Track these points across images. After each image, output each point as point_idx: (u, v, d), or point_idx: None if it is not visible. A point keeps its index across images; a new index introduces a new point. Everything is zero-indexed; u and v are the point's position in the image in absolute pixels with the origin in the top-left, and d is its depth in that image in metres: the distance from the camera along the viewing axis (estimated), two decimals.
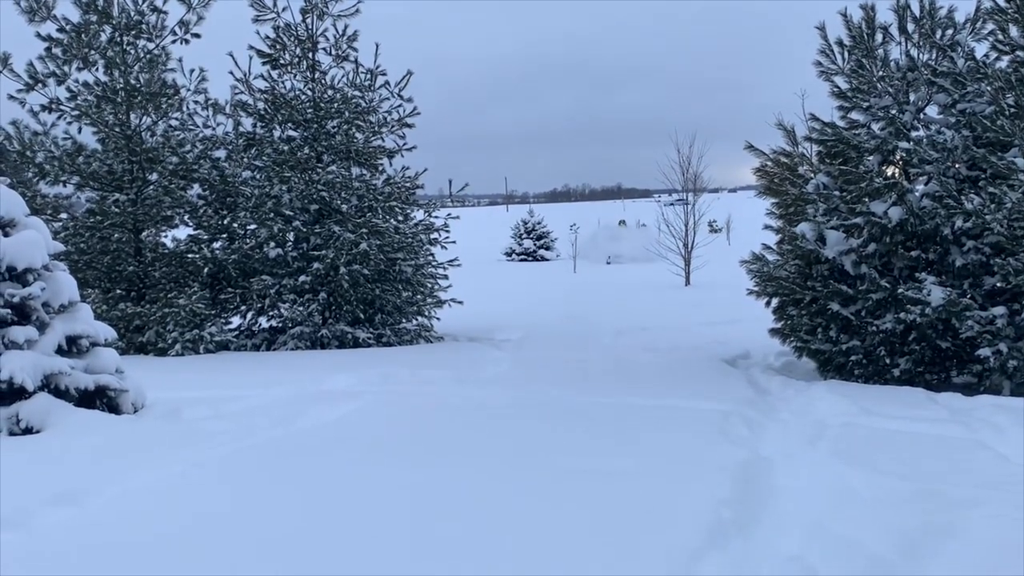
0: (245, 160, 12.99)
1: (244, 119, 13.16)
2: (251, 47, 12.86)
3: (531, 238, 36.53)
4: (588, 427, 6.33)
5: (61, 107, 12.00)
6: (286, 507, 4.38)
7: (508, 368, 9.81)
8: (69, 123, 12.15)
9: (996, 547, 3.69)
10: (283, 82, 13.15)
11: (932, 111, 8.85)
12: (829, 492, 4.59)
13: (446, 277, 13.57)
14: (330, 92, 13.20)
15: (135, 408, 6.73)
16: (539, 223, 37.05)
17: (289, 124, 13.12)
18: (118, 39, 12.11)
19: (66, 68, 11.95)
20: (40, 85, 11.84)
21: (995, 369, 7.78)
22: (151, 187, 12.45)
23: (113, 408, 6.59)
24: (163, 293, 12.00)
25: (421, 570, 3.55)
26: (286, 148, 12.88)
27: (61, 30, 11.84)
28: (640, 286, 22.60)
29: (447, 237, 13.63)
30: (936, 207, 8.08)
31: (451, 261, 13.50)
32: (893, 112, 8.70)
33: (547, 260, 35.30)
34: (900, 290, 8.11)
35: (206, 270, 12.54)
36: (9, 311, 6.22)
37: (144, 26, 12.20)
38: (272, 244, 12.34)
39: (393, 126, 13.47)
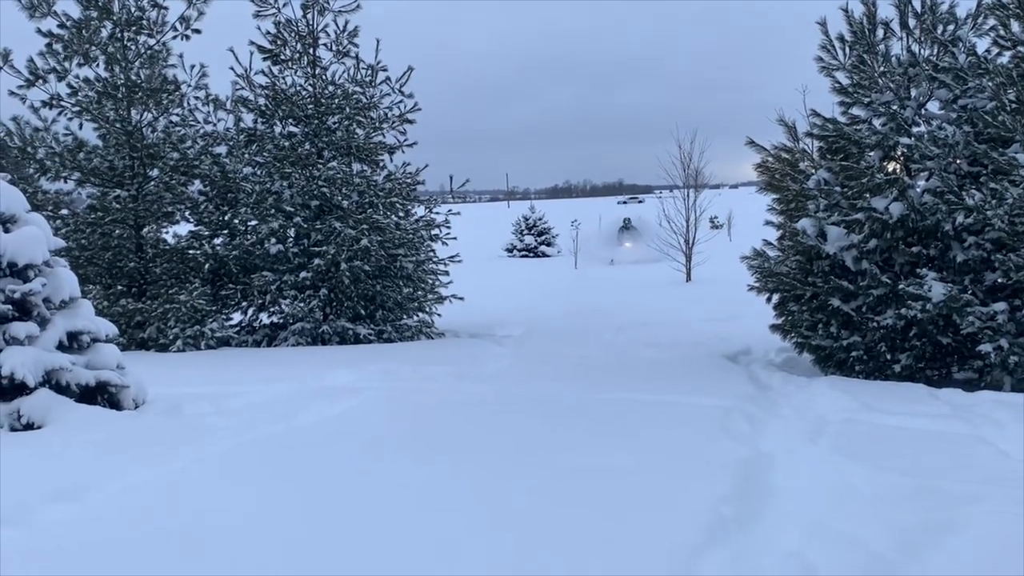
0: (246, 156, 12.99)
1: (245, 115, 13.18)
2: (252, 43, 12.87)
3: (532, 234, 36.53)
4: (589, 423, 6.33)
5: (62, 103, 12.01)
6: (287, 503, 4.38)
7: (509, 364, 9.81)
8: (70, 119, 12.18)
9: (997, 543, 3.69)
10: (284, 78, 13.16)
11: (933, 107, 8.83)
12: (829, 488, 4.59)
13: (447, 273, 13.57)
14: (331, 88, 13.20)
15: (136, 404, 6.73)
16: (540, 219, 37.04)
17: (290, 120, 13.11)
18: (119, 35, 12.12)
19: (67, 64, 11.95)
20: (41, 81, 11.85)
21: (996, 365, 7.78)
22: (152, 183, 12.46)
23: (114, 404, 6.60)
24: (164, 289, 12.02)
25: (422, 566, 3.55)
26: (287, 144, 12.88)
27: (62, 26, 11.85)
28: (641, 282, 22.61)
29: (448, 233, 13.63)
30: (937, 203, 8.07)
31: (452, 257, 13.50)
32: (894, 108, 8.68)
33: (548, 256, 35.31)
34: (901, 286, 8.10)
35: (207, 266, 12.55)
36: (10, 307, 6.23)
37: (145, 22, 12.21)
38: (273, 240, 12.35)
39: (394, 122, 13.48)
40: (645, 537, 3.80)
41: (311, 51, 13.13)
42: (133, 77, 12.21)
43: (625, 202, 76.08)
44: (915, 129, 8.64)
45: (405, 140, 13.58)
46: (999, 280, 7.92)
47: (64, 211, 12.37)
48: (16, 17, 11.63)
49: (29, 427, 5.92)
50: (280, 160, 12.77)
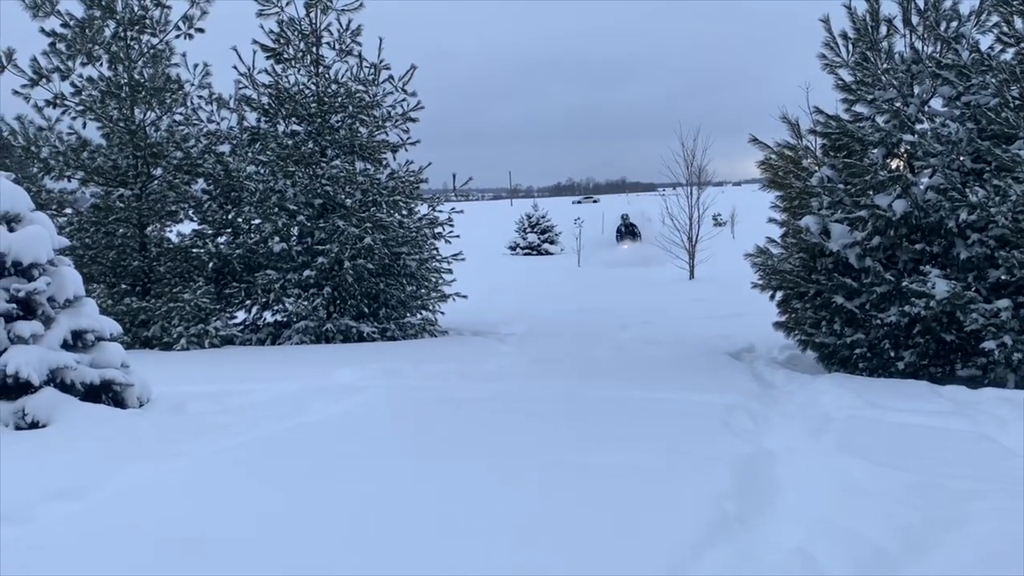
0: (249, 155, 13.00)
1: (248, 114, 13.20)
2: (255, 41, 12.89)
3: (535, 232, 36.51)
4: (592, 420, 6.33)
5: (66, 102, 12.02)
6: (291, 501, 4.39)
7: (512, 362, 9.82)
8: (74, 118, 12.19)
9: (999, 540, 3.70)
10: (287, 76, 13.17)
11: (937, 104, 8.83)
12: (833, 485, 4.59)
13: (450, 271, 13.58)
14: (334, 86, 13.21)
15: (140, 402, 6.74)
16: (543, 217, 37.03)
17: (293, 119, 13.13)
18: (122, 34, 12.13)
19: (70, 63, 11.97)
20: (44, 80, 11.86)
21: (999, 362, 7.78)
22: (155, 182, 12.48)
23: (119, 402, 6.61)
24: (168, 288, 12.04)
25: (426, 561, 3.55)
26: (290, 143, 12.90)
27: (65, 25, 11.86)
28: (644, 280, 22.61)
29: (451, 231, 13.64)
30: (941, 200, 8.06)
31: (455, 255, 13.51)
32: (897, 105, 8.68)
33: (551, 254, 35.30)
34: (904, 283, 8.09)
35: (211, 265, 12.58)
36: (15, 306, 6.24)
37: (148, 21, 12.22)
38: (276, 239, 12.37)
39: (397, 120, 13.50)
40: (649, 533, 3.81)
41: (314, 50, 13.14)
42: (136, 76, 12.23)
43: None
44: (918, 126, 8.63)
45: (408, 138, 13.60)
46: (1003, 277, 7.92)
47: (68, 210, 12.39)
48: (20, 16, 11.66)
49: (34, 425, 5.93)
50: (283, 159, 12.79)
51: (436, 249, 13.55)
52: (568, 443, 5.55)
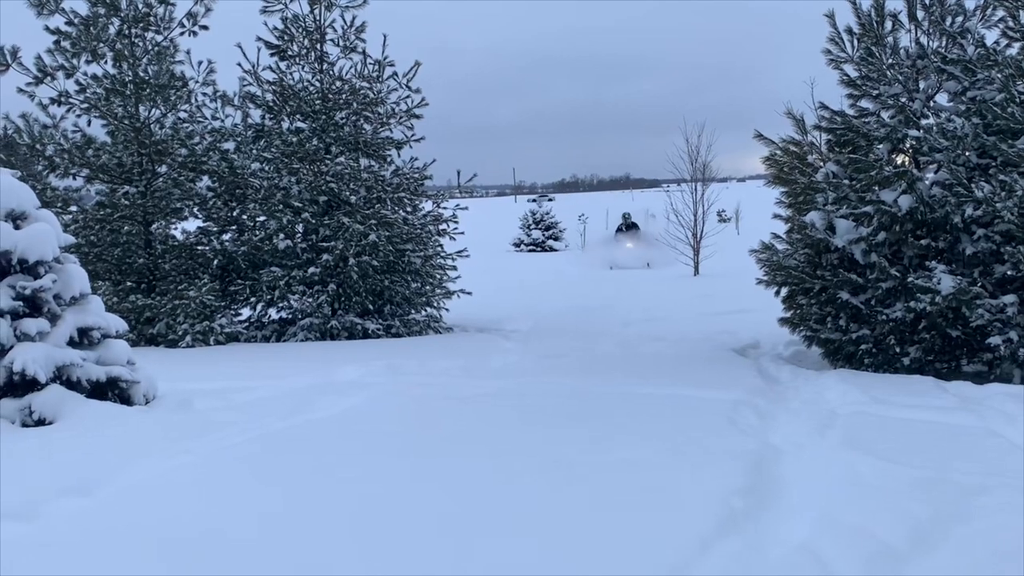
0: (254, 152, 13.01)
1: (252, 111, 13.21)
2: (259, 38, 12.89)
3: (539, 228, 36.49)
4: (598, 417, 6.33)
5: (70, 100, 12.03)
6: (297, 497, 4.40)
7: (517, 359, 9.82)
8: (78, 116, 12.20)
9: (1006, 535, 3.69)
10: (291, 73, 13.18)
11: (942, 99, 8.81)
12: (839, 481, 4.59)
13: (455, 268, 13.59)
14: (338, 83, 13.22)
15: (147, 399, 6.76)
16: (547, 213, 37.01)
17: (297, 115, 13.13)
18: (126, 31, 12.14)
19: (75, 61, 11.97)
20: (49, 78, 11.86)
21: (1005, 357, 7.76)
22: (160, 179, 12.50)
23: (125, 399, 6.63)
24: (173, 285, 12.06)
25: (432, 557, 3.56)
26: (295, 140, 12.90)
27: (69, 23, 11.87)
28: (649, 276, 22.61)
29: (456, 228, 13.65)
30: (946, 195, 8.05)
31: (460, 252, 13.52)
32: (903, 100, 8.66)
33: (556, 251, 35.28)
34: (910, 279, 8.08)
35: (216, 262, 12.60)
36: (21, 303, 6.26)
37: (152, 18, 12.23)
38: (281, 236, 12.38)
39: (401, 117, 13.50)
40: (656, 529, 3.81)
41: (318, 47, 13.15)
42: (141, 74, 12.24)
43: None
44: (924, 121, 8.61)
45: (412, 135, 13.61)
46: (1008, 272, 7.90)
47: (73, 208, 12.40)
48: (24, 15, 11.68)
49: (40, 423, 5.95)
50: (288, 156, 12.80)
51: (440, 246, 13.56)
52: (574, 440, 5.55)
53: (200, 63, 12.66)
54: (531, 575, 3.40)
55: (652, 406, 6.70)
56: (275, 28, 12.95)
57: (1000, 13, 8.53)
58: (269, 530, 3.91)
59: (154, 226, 12.57)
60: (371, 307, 12.83)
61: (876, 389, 7.14)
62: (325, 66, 13.22)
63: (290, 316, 12.77)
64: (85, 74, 12.08)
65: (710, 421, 6.03)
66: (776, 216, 10.16)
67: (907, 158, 8.87)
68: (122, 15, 12.06)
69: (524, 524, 3.93)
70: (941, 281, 7.82)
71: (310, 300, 12.27)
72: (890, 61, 8.86)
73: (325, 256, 12.30)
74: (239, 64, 12.92)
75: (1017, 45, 8.38)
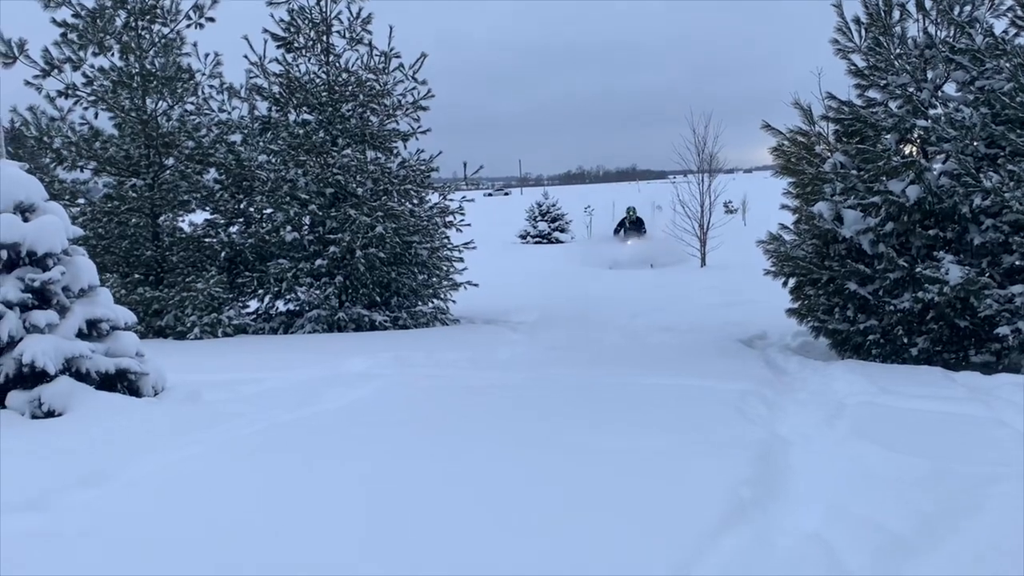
0: (260, 144, 13.02)
1: (259, 103, 13.20)
2: (265, 30, 12.88)
3: (546, 220, 36.44)
4: (606, 407, 6.34)
5: (77, 92, 12.04)
6: (307, 487, 4.41)
7: (524, 350, 9.82)
8: (85, 108, 12.20)
9: (1016, 525, 3.69)
10: (297, 65, 13.17)
11: (950, 89, 8.78)
12: (847, 471, 4.59)
13: (461, 260, 13.59)
14: (344, 75, 13.20)
15: (155, 391, 6.77)
16: (553, 205, 36.96)
17: (304, 108, 13.14)
18: (133, 24, 12.14)
19: (82, 53, 11.97)
20: (56, 71, 11.87)
21: (1014, 347, 7.75)
22: (168, 172, 12.51)
23: (134, 391, 6.64)
24: (181, 277, 12.08)
25: (440, 548, 3.57)
26: (301, 132, 12.90)
27: (76, 15, 11.87)
28: (654, 273, 22.56)
29: (462, 220, 13.65)
30: (954, 185, 8.03)
31: (466, 244, 13.52)
32: (911, 90, 8.64)
33: (562, 243, 35.23)
34: (918, 269, 8.07)
35: (223, 254, 12.62)
36: (30, 295, 6.27)
37: (158, 11, 12.22)
38: (288, 228, 12.39)
39: (407, 109, 13.48)
40: (666, 518, 3.82)
41: (324, 38, 13.14)
42: (148, 66, 12.24)
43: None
44: (932, 111, 8.59)
45: (419, 127, 13.60)
46: (1017, 263, 7.89)
47: (81, 200, 12.42)
48: (31, 7, 11.69)
49: (50, 414, 5.96)
50: (295, 148, 12.80)
51: (447, 238, 13.56)
52: (582, 429, 5.56)
53: (207, 55, 12.66)
54: (540, 562, 3.41)
55: (659, 396, 6.70)
56: (281, 20, 12.94)
57: (1009, 2, 8.50)
58: (279, 520, 3.93)
59: (161, 218, 12.58)
60: (378, 299, 12.85)
61: (884, 379, 7.13)
62: (331, 58, 13.21)
63: (297, 308, 12.79)
64: (92, 67, 12.09)
65: (718, 411, 6.03)
66: (784, 207, 10.14)
67: (915, 148, 8.85)
68: (128, 7, 12.05)
69: (534, 512, 3.93)
70: (949, 271, 7.81)
71: (317, 292, 12.29)
72: (898, 51, 8.83)
73: (332, 248, 12.31)
74: (245, 56, 12.92)
75: None
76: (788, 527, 3.80)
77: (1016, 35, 8.45)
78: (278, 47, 13.01)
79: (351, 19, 13.11)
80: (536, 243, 35.24)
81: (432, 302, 13.41)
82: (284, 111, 13.19)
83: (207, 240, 12.75)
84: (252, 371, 7.98)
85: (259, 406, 6.38)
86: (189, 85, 12.56)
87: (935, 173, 8.27)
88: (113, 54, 12.15)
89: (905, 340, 8.40)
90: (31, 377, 6.07)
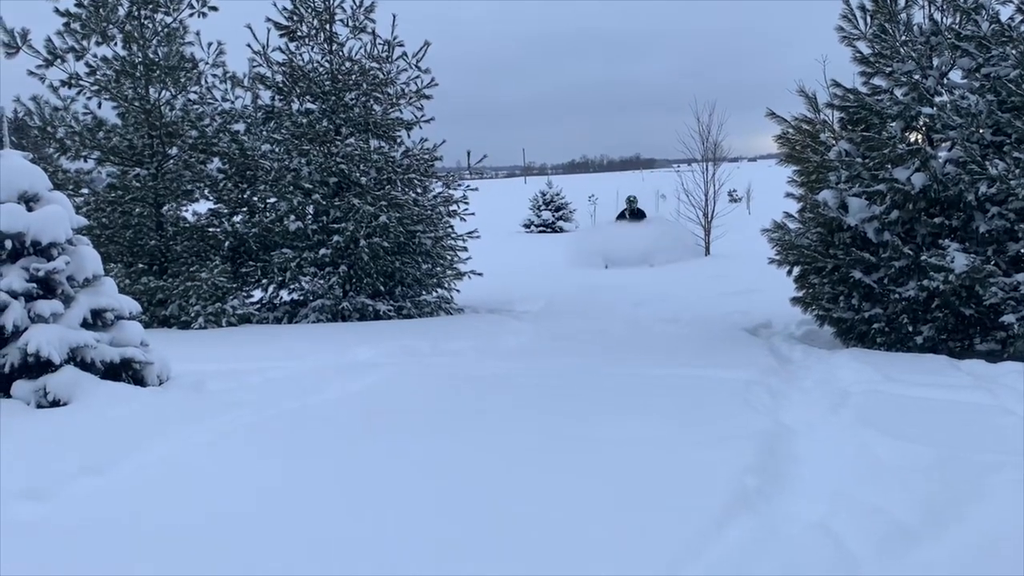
0: (264, 133, 13.01)
1: (262, 92, 13.17)
2: (268, 19, 12.84)
3: (550, 210, 36.39)
4: (610, 396, 6.34)
5: (80, 82, 12.03)
6: (311, 475, 4.42)
7: (529, 339, 9.83)
8: (89, 98, 12.19)
9: (1019, 511, 3.68)
10: (301, 54, 13.14)
11: (956, 76, 8.73)
12: (852, 459, 4.59)
13: (465, 249, 13.57)
14: (348, 64, 13.17)
15: (160, 380, 6.79)
16: (557, 194, 36.91)
17: (307, 97, 13.11)
18: (136, 13, 12.12)
19: (85, 43, 11.96)
20: (59, 60, 11.86)
21: (1019, 335, 7.73)
22: (171, 161, 12.51)
23: (138, 380, 6.66)
24: (185, 267, 12.09)
25: (443, 538, 3.57)
26: (304, 121, 12.89)
27: (79, 5, 11.85)
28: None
29: (466, 209, 13.64)
30: (960, 173, 8.00)
31: (470, 233, 13.50)
32: (916, 77, 8.59)
33: (566, 232, 35.18)
34: (923, 257, 8.04)
35: (227, 244, 12.63)
36: (35, 285, 6.28)
37: (161, 0, 12.20)
38: (292, 217, 12.39)
39: (411, 97, 13.45)
40: (671, 507, 3.82)
41: (328, 27, 13.10)
42: (151, 55, 12.22)
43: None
44: (937, 99, 8.55)
45: (422, 116, 13.57)
46: (1022, 251, 7.86)
47: (84, 190, 12.41)
48: None
49: (55, 404, 5.98)
50: (298, 137, 12.79)
51: (451, 227, 13.55)
52: (588, 419, 5.56)
53: (210, 44, 12.64)
54: (539, 551, 3.41)
55: (664, 386, 6.70)
56: (284, 9, 12.90)
57: None
58: (285, 507, 3.93)
59: (165, 208, 12.59)
60: (382, 288, 12.85)
61: (889, 368, 7.11)
62: (334, 47, 13.18)
63: (302, 297, 12.80)
64: (95, 56, 12.08)
65: (722, 401, 6.03)
66: (788, 195, 10.12)
67: (920, 136, 8.82)
68: None
69: (539, 501, 3.93)
70: (954, 259, 7.79)
71: (321, 281, 12.30)
72: (903, 38, 8.79)
73: (336, 237, 12.31)
74: (249, 45, 12.90)
75: None
76: (793, 515, 3.80)
77: (1022, 22, 8.40)
78: (281, 36, 12.98)
79: (354, 7, 13.07)
80: (540, 232, 35.20)
81: (436, 291, 13.41)
82: (287, 100, 13.16)
83: (211, 230, 12.75)
84: (257, 360, 7.99)
85: (264, 395, 6.40)
86: (192, 74, 12.54)
87: (940, 161, 8.24)
88: (116, 43, 12.14)
89: (910, 328, 8.38)
90: (36, 367, 6.09)
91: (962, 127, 8.11)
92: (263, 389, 6.68)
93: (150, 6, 12.15)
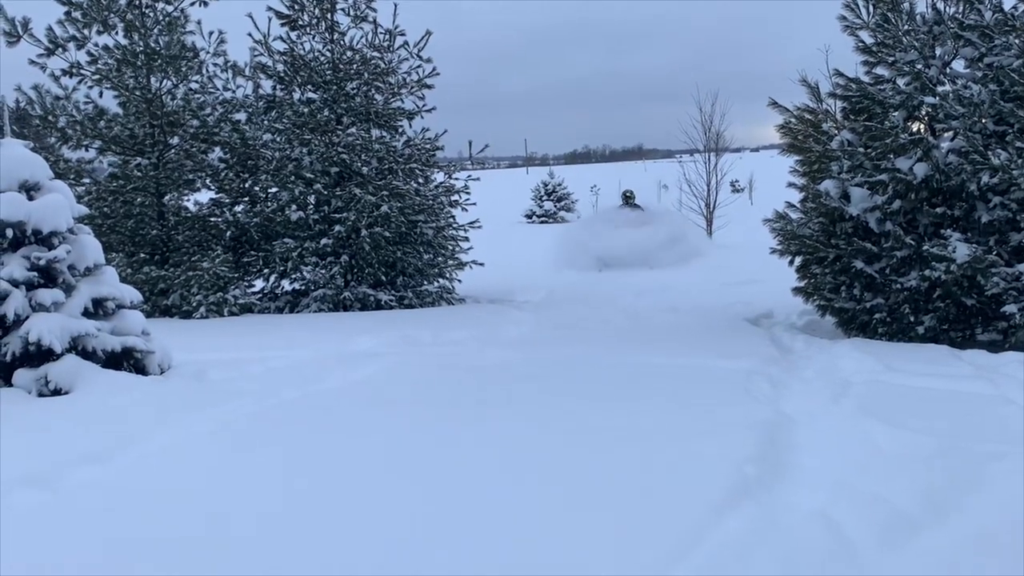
0: (265, 123, 12.99)
1: (264, 81, 13.14)
2: (269, 8, 12.80)
3: (551, 200, 36.40)
4: (611, 386, 6.34)
5: (82, 71, 12.01)
6: (312, 464, 4.43)
7: (530, 329, 9.82)
8: (90, 87, 12.17)
9: (1019, 500, 3.69)
10: (302, 44, 13.10)
11: (958, 65, 8.71)
12: (853, 448, 4.59)
13: (467, 239, 13.57)
14: (349, 53, 13.14)
15: (161, 369, 6.80)
16: (559, 184, 36.91)
17: (308, 86, 13.09)
18: (137, 2, 12.08)
19: (86, 32, 11.93)
20: (60, 49, 11.83)
21: (1021, 326, 7.72)
22: (172, 151, 12.50)
23: (140, 369, 6.67)
24: (187, 257, 12.09)
25: (444, 525, 3.58)
26: (306, 110, 12.87)
27: None
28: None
29: (468, 199, 13.63)
30: (962, 163, 7.98)
31: (472, 223, 13.49)
32: (919, 67, 8.57)
33: (568, 222, 35.17)
34: (925, 247, 8.03)
35: (228, 233, 12.63)
36: (35, 274, 6.28)
37: None
38: (294, 207, 12.38)
39: (412, 87, 13.42)
40: (670, 495, 3.82)
41: (329, 16, 13.06)
42: (152, 44, 12.20)
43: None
44: (940, 88, 8.53)
45: (424, 105, 13.55)
46: None
47: (86, 180, 12.41)
48: None
49: (56, 392, 5.99)
50: (299, 127, 12.77)
51: (453, 217, 13.54)
52: (588, 408, 5.56)
53: (211, 33, 12.61)
54: (539, 538, 3.41)
55: (665, 375, 6.70)
56: None
57: None
58: (285, 496, 3.94)
59: (167, 198, 12.58)
60: (383, 278, 12.85)
61: (890, 358, 7.11)
62: (336, 36, 13.15)
63: (303, 287, 12.79)
64: (96, 45, 12.05)
65: (723, 390, 6.03)
66: (791, 185, 10.10)
67: (923, 125, 8.80)
68: None
69: (539, 489, 3.94)
70: (956, 249, 7.78)
71: (323, 271, 12.30)
72: (906, 27, 8.76)
73: (337, 227, 12.30)
74: (250, 35, 12.86)
75: None
76: (793, 504, 3.80)
77: None
78: (282, 25, 12.95)
79: None
80: (542, 222, 35.19)
81: (437, 282, 13.40)
82: (289, 90, 13.14)
83: (212, 219, 12.75)
84: (258, 350, 7.99)
85: (266, 384, 6.40)
86: (193, 63, 12.52)
87: (943, 151, 8.22)
88: (117, 32, 12.11)
89: (912, 319, 8.37)
90: (37, 355, 6.10)
91: (964, 117, 8.09)
92: (264, 378, 6.69)
93: None
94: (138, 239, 12.32)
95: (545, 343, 8.65)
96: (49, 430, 5.08)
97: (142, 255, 12.17)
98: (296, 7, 12.91)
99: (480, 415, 5.45)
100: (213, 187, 13.00)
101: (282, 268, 12.59)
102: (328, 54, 13.10)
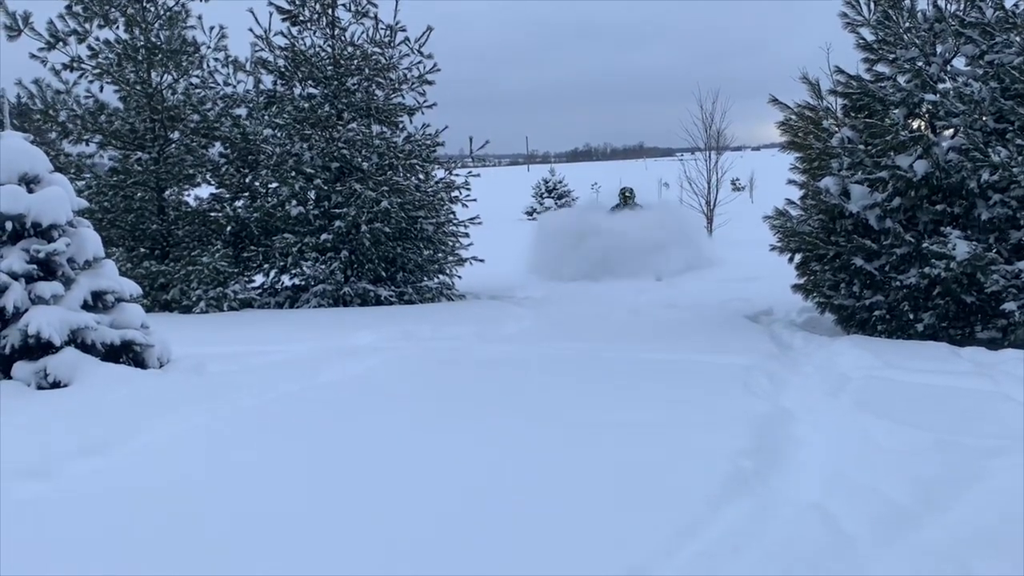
0: (266, 118, 12.99)
1: (264, 76, 13.16)
2: (271, 3, 12.81)
3: (552, 197, 36.39)
4: (610, 381, 6.34)
5: (83, 65, 12.02)
6: (310, 456, 4.43)
7: (530, 325, 9.82)
8: (91, 81, 12.19)
9: (1018, 496, 3.69)
10: (303, 39, 13.10)
11: (959, 63, 8.70)
12: (850, 442, 4.60)
13: (467, 235, 13.56)
14: (350, 49, 13.14)
15: (160, 363, 6.80)
16: (560, 182, 36.90)
17: (309, 81, 13.09)
18: None
19: (87, 26, 11.95)
20: (61, 44, 11.85)
21: (1020, 323, 7.72)
22: (173, 145, 12.50)
23: (139, 363, 6.67)
24: (187, 251, 12.10)
25: (442, 519, 3.58)
26: (307, 106, 12.87)
27: None
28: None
29: (468, 195, 13.62)
30: (962, 160, 7.97)
31: (472, 219, 13.49)
32: (919, 64, 8.56)
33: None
34: (925, 244, 8.03)
35: (229, 228, 12.63)
36: (35, 267, 6.29)
37: None
38: (294, 202, 12.38)
39: (413, 83, 13.43)
40: (667, 488, 3.83)
41: (330, 11, 13.07)
42: (153, 39, 12.20)
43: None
44: (940, 86, 8.52)
45: (424, 101, 13.55)
46: None
47: (87, 174, 12.42)
48: None
49: (56, 385, 5.99)
50: (300, 122, 12.78)
51: (453, 213, 13.53)
52: (588, 403, 5.57)
53: (212, 28, 12.63)
54: (536, 531, 3.42)
55: (664, 371, 6.71)
56: None
57: None
58: (284, 488, 3.95)
59: (167, 192, 12.59)
60: (383, 274, 12.85)
61: (889, 354, 7.11)
62: (337, 31, 13.15)
63: (303, 283, 12.80)
64: (97, 39, 12.06)
65: (722, 385, 6.03)
66: (791, 182, 10.09)
67: (923, 123, 8.78)
68: None
69: (537, 481, 3.95)
70: (956, 247, 7.77)
71: (323, 267, 12.30)
72: (907, 24, 8.75)
73: (337, 223, 12.30)
74: (251, 29, 12.87)
75: None
76: (790, 497, 3.80)
77: None
78: (283, 20, 12.95)
79: None
80: None
81: (437, 278, 13.40)
82: (289, 85, 13.15)
83: (212, 214, 12.75)
84: (258, 344, 8.00)
85: (265, 377, 6.41)
86: (194, 58, 12.53)
87: (943, 148, 8.21)
88: (118, 27, 12.12)
89: (911, 316, 8.37)
90: (37, 348, 6.11)
91: (965, 114, 8.09)
92: (263, 372, 6.70)
93: None
94: (138, 234, 12.32)
95: (545, 338, 8.65)
96: (48, 423, 5.08)
97: (142, 250, 12.18)
98: (297, 2, 12.92)
99: (479, 409, 5.45)
100: (213, 182, 13.00)
101: (282, 263, 12.59)
102: (329, 49, 13.10)
